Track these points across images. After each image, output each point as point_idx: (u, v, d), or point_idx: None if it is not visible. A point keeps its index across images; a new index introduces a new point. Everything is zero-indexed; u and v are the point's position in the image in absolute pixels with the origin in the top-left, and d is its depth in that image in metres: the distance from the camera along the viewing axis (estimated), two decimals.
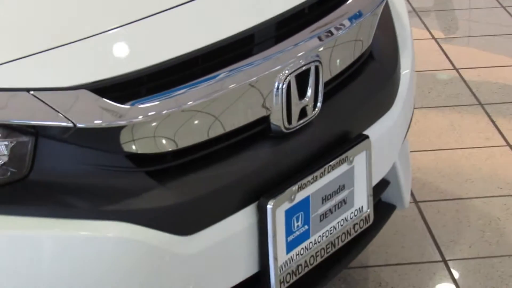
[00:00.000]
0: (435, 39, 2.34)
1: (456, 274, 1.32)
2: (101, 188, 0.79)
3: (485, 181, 1.57)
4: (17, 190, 0.75)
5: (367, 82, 1.07)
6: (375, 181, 1.06)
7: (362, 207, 1.01)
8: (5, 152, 0.73)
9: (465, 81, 2.05)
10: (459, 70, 2.12)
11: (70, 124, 0.72)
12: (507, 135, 1.76)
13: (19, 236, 0.73)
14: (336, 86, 1.01)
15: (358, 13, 0.99)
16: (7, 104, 0.73)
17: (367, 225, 1.03)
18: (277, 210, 0.83)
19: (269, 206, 0.82)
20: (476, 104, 1.92)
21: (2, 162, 0.73)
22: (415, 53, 1.25)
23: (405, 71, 1.17)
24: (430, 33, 2.40)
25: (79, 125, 0.72)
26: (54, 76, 0.77)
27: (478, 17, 2.61)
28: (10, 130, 0.73)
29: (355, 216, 1.01)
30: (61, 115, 0.72)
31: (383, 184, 1.14)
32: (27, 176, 0.74)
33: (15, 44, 0.78)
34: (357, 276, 1.32)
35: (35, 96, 0.71)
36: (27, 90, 0.71)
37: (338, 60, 1.00)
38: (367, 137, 0.98)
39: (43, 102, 0.71)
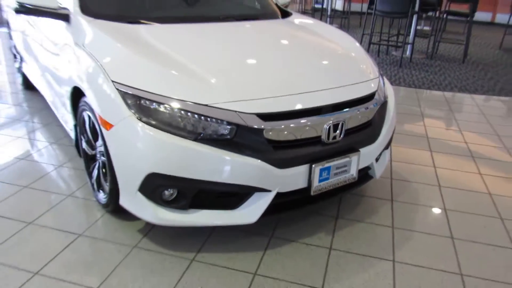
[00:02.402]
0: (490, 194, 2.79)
1: None
2: (256, 148, 1.84)
3: None
4: (229, 143, 1.81)
5: (365, 133, 2.18)
6: (362, 166, 2.21)
7: (353, 174, 2.18)
8: (228, 130, 1.82)
9: None
10: None
11: (246, 125, 1.81)
12: None
13: (230, 159, 1.82)
14: (352, 132, 2.14)
15: (365, 108, 2.15)
16: (230, 115, 1.84)
17: (354, 181, 2.20)
18: (316, 168, 2.00)
19: (313, 166, 1.99)
20: None
21: (227, 133, 1.82)
22: None
23: (384, 131, 2.29)
24: (485, 184, 2.90)
25: (247, 125, 1.81)
26: (249, 108, 1.82)
27: None
28: (229, 123, 1.82)
29: (350, 176, 2.17)
30: (244, 122, 1.82)
31: (367, 168, 2.33)
32: (233, 138, 1.82)
33: (241, 94, 1.89)
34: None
35: (239, 115, 1.82)
36: (236, 111, 1.81)
37: (354, 122, 2.13)
38: (359, 151, 2.14)
39: (240, 117, 1.81)
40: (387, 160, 2.59)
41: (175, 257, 2.06)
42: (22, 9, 2.51)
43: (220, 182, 1.86)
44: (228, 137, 1.84)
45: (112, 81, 1.97)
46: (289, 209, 2.11)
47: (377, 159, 2.44)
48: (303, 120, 1.96)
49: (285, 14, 3.22)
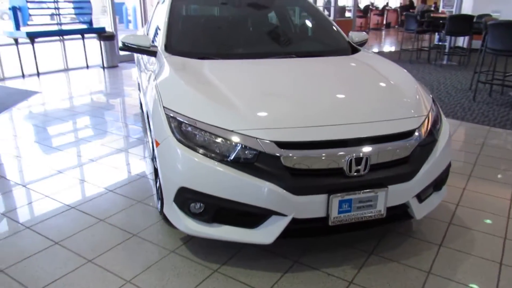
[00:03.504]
0: None
1: None
2: (274, 173, 1.87)
3: None
4: (251, 167, 1.88)
5: (398, 170, 2.03)
6: (394, 203, 2.04)
7: (380, 210, 2.05)
8: (250, 155, 1.89)
9: None
10: None
11: (265, 151, 1.88)
12: None
13: (249, 181, 1.87)
14: (381, 167, 2.01)
15: (398, 145, 2.02)
16: (251, 142, 1.90)
17: (381, 217, 2.05)
18: (334, 199, 1.94)
19: (331, 197, 1.94)
20: None
21: (249, 157, 1.89)
22: None
23: (424, 170, 2.09)
24: None
25: (266, 151, 1.90)
26: (269, 136, 1.88)
27: None
28: (251, 149, 1.90)
29: (377, 211, 2.03)
30: (263, 148, 1.88)
31: (405, 205, 2.13)
32: (254, 163, 1.89)
33: (265, 123, 1.95)
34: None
35: (259, 141, 1.89)
36: (257, 138, 1.90)
37: (383, 158, 2.00)
38: (386, 187, 2.00)
39: (260, 144, 1.87)
40: (437, 202, 2.36)
41: (201, 265, 2.18)
42: (125, 47, 2.97)
43: (239, 202, 1.93)
44: (250, 161, 1.91)
45: (164, 107, 2.21)
46: (308, 236, 2.07)
47: (422, 199, 2.24)
48: (320, 151, 1.93)
49: (354, 50, 3.18)
